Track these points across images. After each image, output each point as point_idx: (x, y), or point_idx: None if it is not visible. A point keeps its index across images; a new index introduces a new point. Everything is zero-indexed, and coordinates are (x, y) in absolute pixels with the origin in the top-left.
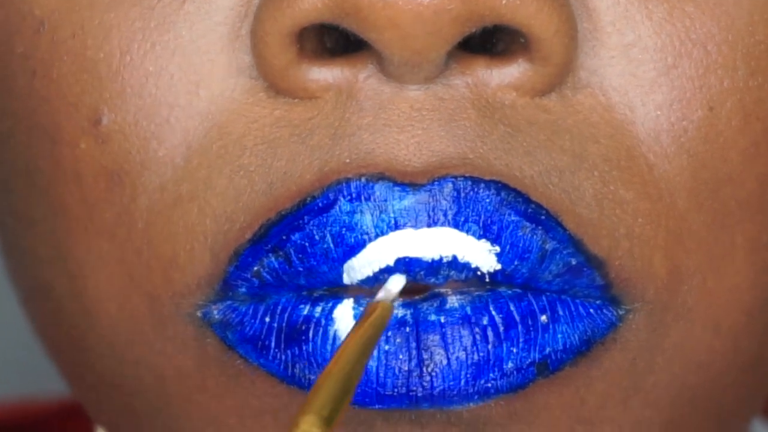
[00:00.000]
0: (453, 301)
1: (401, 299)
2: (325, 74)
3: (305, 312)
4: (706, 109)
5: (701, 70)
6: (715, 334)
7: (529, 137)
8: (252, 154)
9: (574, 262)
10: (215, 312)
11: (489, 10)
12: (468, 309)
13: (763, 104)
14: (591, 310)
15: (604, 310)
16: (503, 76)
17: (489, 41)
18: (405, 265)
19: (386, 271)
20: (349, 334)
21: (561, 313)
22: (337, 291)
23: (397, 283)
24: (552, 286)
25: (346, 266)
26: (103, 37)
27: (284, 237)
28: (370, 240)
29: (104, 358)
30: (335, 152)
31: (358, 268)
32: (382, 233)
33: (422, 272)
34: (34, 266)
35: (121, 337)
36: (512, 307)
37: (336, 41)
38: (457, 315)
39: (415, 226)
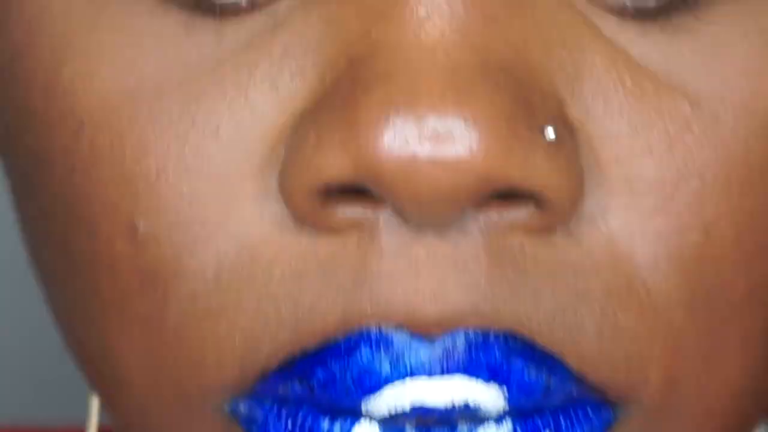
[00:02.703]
0: (463, 428)
1: (415, 424)
2: (347, 212)
3: (325, 427)
4: (702, 234)
5: (698, 198)
6: (706, 420)
7: (534, 278)
8: (279, 284)
9: (575, 393)
10: (242, 407)
11: (505, 182)
12: None
13: (754, 217)
14: (589, 413)
15: (603, 412)
16: (512, 218)
17: None
18: (419, 411)
19: (402, 415)
20: None
21: (563, 424)
22: (357, 410)
23: None
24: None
25: (364, 402)
26: (141, 154)
27: (308, 371)
28: (387, 383)
29: (134, 423)
30: (356, 297)
31: (375, 409)
32: (399, 378)
33: (435, 416)
34: (68, 321)
35: (150, 410)
36: (519, 429)
37: None
38: None
39: (429, 375)
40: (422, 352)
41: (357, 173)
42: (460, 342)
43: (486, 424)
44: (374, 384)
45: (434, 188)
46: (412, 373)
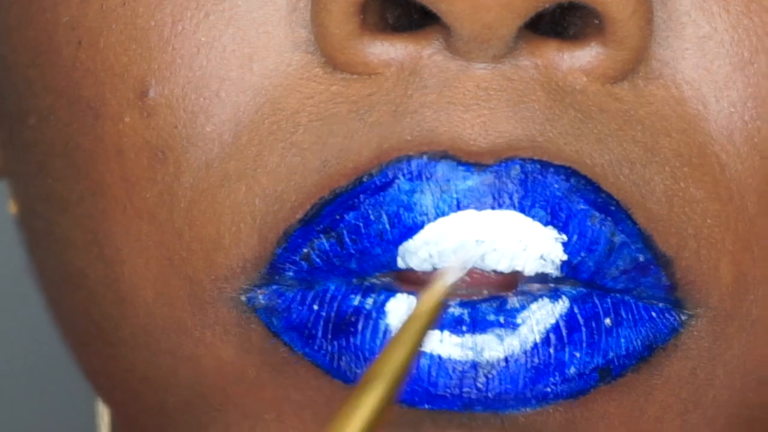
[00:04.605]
0: (513, 301)
1: (458, 298)
2: (387, 49)
3: (356, 303)
4: None
5: None
6: None
7: (600, 125)
8: (306, 131)
9: (642, 258)
10: (261, 297)
11: None
12: None
13: None
14: (653, 314)
15: (667, 314)
16: (574, 59)
17: (560, 25)
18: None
19: (445, 255)
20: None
21: (624, 316)
22: (390, 283)
23: (453, 273)
24: (617, 284)
25: (401, 249)
26: (155, 5)
27: (337, 217)
28: (429, 221)
29: (138, 350)
30: (395, 129)
31: (415, 250)
32: (443, 214)
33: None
34: (66, 254)
35: (158, 326)
36: (576, 310)
37: (397, 18)
38: (517, 315)
39: (479, 208)
40: (471, 181)
41: None
42: (515, 172)
43: (540, 301)
44: (414, 223)
45: None
46: (459, 207)
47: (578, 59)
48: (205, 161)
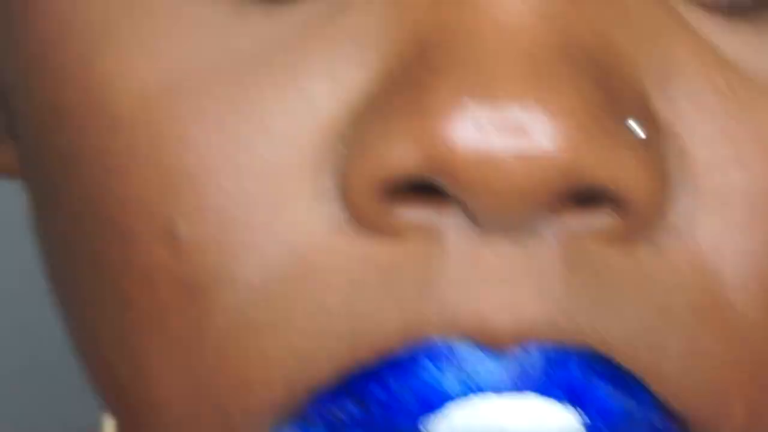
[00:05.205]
0: None
1: None
2: (411, 215)
3: None
4: None
5: None
6: None
7: (616, 292)
8: (335, 295)
9: (658, 423)
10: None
11: (590, 180)
12: None
13: None
14: None
15: None
16: (591, 224)
17: None
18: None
19: None
20: None
21: None
22: None
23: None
24: None
25: (423, 422)
26: (182, 149)
27: (364, 389)
28: (450, 402)
29: None
30: (420, 306)
31: (436, 429)
32: (464, 396)
33: None
34: (93, 343)
35: None
36: None
37: None
38: None
39: (499, 392)
40: (493, 367)
41: (428, 165)
42: (536, 357)
43: None
44: (437, 402)
45: (513, 184)
46: (480, 390)
47: (594, 224)
48: (236, 305)
